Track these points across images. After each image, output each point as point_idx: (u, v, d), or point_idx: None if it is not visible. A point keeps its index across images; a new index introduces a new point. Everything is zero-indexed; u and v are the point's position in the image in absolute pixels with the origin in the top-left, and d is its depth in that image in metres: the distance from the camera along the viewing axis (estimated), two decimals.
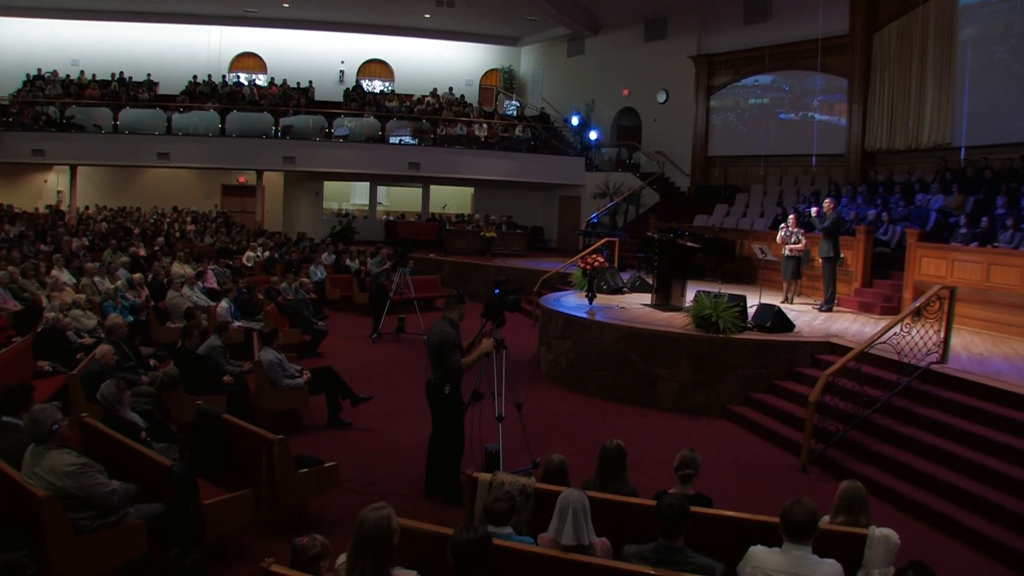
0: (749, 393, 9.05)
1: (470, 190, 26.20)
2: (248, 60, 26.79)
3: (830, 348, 9.07)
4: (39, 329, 8.22)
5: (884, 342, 7.72)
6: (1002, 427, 6.74)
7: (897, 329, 7.77)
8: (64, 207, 22.44)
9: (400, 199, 27.58)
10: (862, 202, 14.35)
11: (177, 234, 19.69)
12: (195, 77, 23.97)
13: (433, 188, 25.12)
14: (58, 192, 24.05)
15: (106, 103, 21.65)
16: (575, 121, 24.45)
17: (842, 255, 11.92)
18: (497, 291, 6.44)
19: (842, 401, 7.64)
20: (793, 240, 12.12)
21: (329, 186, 25.98)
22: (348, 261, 17.88)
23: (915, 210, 12.94)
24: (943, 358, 7.92)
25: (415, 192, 25.43)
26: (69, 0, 22.84)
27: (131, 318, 10.76)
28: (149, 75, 23.72)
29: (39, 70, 22.94)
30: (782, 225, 12.51)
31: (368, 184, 25.48)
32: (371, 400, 8.44)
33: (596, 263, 10.96)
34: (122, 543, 4.29)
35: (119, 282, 11.37)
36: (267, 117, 22.08)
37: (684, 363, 9.24)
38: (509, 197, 25.30)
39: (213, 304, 11.42)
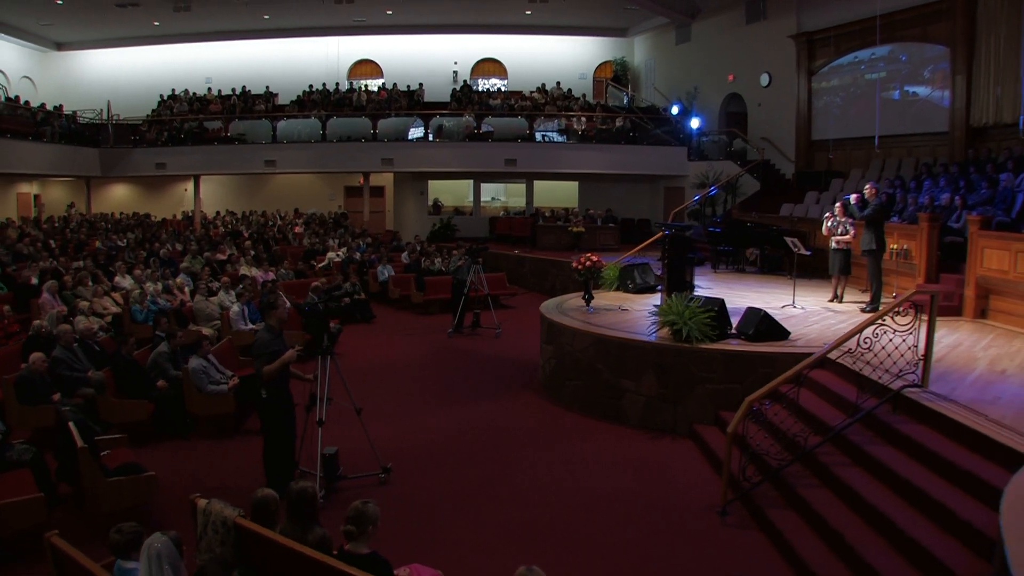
0: (719, 412, 8.05)
1: (575, 184, 25.72)
2: (365, 67, 27.98)
3: (820, 361, 7.86)
4: (30, 333, 9.04)
5: (838, 359, 6.60)
6: (962, 483, 5.07)
7: (852, 343, 6.58)
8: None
9: (517, 195, 27.62)
10: (944, 184, 12.41)
11: (280, 236, 20.98)
12: (310, 86, 25.39)
13: (539, 184, 24.92)
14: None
15: (222, 116, 23.49)
16: (675, 110, 23.24)
17: (890, 246, 10.37)
18: (318, 298, 6.30)
19: (799, 424, 6.57)
20: (840, 231, 10.61)
21: (445, 185, 26.53)
22: (424, 260, 18.24)
23: (1000, 192, 10.97)
24: (922, 380, 6.45)
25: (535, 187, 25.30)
26: (202, 24, 25.03)
27: None
28: (267, 87, 25.46)
29: (173, 90, 25.35)
30: (827, 215, 10.97)
31: (472, 181, 25.76)
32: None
33: (588, 263, 10.32)
34: None
35: (151, 285, 12.23)
36: (366, 121, 22.92)
37: (650, 375, 8.41)
38: (615, 190, 24.52)
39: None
